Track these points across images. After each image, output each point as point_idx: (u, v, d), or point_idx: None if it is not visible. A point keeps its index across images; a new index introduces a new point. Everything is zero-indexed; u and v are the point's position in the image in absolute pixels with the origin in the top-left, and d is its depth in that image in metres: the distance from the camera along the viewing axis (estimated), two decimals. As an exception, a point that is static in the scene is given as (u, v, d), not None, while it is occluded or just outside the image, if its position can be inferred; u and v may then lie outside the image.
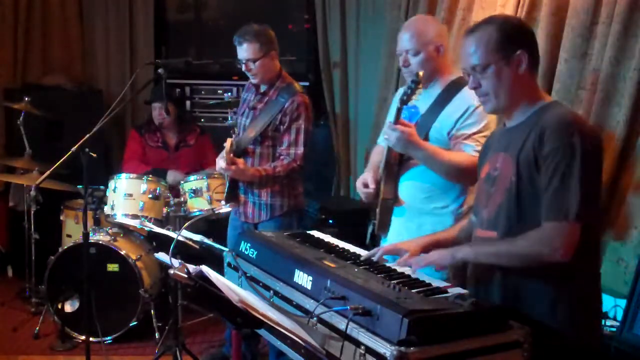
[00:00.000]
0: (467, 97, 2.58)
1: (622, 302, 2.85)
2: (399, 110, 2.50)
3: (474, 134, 2.58)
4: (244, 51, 3.30)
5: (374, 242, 2.67)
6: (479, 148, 2.53)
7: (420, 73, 2.43)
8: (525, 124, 1.97)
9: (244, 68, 3.36)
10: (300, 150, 3.34)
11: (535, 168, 1.88)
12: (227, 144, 3.14)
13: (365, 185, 2.72)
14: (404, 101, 2.46)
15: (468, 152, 2.56)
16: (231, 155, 3.22)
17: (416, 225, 2.69)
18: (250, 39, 3.28)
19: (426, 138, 2.61)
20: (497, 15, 2.08)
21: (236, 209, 3.50)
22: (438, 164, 2.55)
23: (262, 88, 3.45)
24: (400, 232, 2.73)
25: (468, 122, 2.59)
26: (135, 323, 3.93)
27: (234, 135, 3.30)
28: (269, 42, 3.34)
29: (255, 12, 5.26)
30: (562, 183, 1.82)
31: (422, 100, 2.67)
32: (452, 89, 2.65)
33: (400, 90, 2.91)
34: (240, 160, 3.27)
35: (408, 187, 2.71)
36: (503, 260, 1.92)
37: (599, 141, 1.92)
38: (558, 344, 1.86)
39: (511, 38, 1.95)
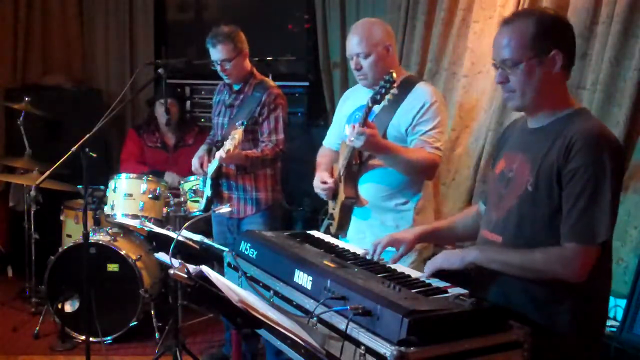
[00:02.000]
0: (422, 93, 2.67)
1: (622, 302, 2.86)
2: (368, 110, 2.51)
3: (430, 130, 2.66)
4: (219, 52, 3.42)
5: None
6: (436, 144, 2.65)
7: (394, 74, 2.42)
8: (550, 129, 1.87)
9: (218, 69, 3.48)
10: (281, 136, 3.47)
11: (556, 181, 1.79)
12: (239, 134, 3.14)
13: (324, 182, 2.80)
14: (377, 100, 2.46)
15: (426, 150, 2.64)
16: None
17: (379, 222, 2.75)
18: (223, 40, 3.40)
19: (384, 136, 2.67)
20: (538, 7, 1.94)
21: (218, 204, 3.54)
22: (399, 163, 2.63)
23: (236, 87, 3.56)
24: (362, 230, 2.79)
25: (424, 119, 2.66)
26: (135, 323, 3.93)
27: (241, 127, 3.31)
28: (241, 42, 3.48)
29: (255, 12, 5.26)
30: (589, 204, 1.74)
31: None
32: (405, 87, 2.69)
33: (349, 93, 3.01)
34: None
35: (368, 189, 2.76)
36: (515, 271, 1.85)
37: (624, 157, 1.87)
38: (558, 346, 1.85)
39: (548, 35, 1.83)
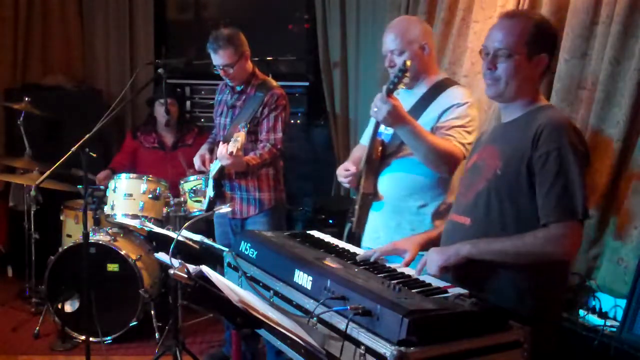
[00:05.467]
0: (454, 94, 2.61)
1: (622, 302, 2.85)
2: (389, 92, 2.45)
3: (458, 126, 2.59)
4: (220, 58, 3.41)
5: (352, 242, 2.67)
6: (463, 140, 2.58)
7: (408, 62, 2.42)
8: (520, 120, 2.04)
9: (221, 74, 3.47)
10: (279, 135, 3.46)
11: (525, 165, 1.93)
12: (241, 137, 3.13)
13: (346, 170, 2.75)
14: (391, 90, 2.43)
15: (452, 142, 2.57)
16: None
17: (395, 224, 2.70)
18: (224, 45, 3.38)
19: None
20: (537, 12, 2.19)
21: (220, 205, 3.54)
22: (421, 142, 2.50)
23: (238, 87, 3.56)
24: (377, 230, 2.75)
25: (453, 116, 2.60)
26: (135, 323, 3.93)
27: (243, 130, 3.30)
28: (242, 44, 3.46)
29: (255, 12, 5.26)
30: (565, 184, 1.88)
31: (407, 99, 2.66)
32: (437, 89, 2.66)
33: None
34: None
35: (389, 181, 2.70)
36: (509, 258, 1.94)
37: (584, 138, 2.02)
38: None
39: (544, 39, 2.02)
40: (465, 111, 2.61)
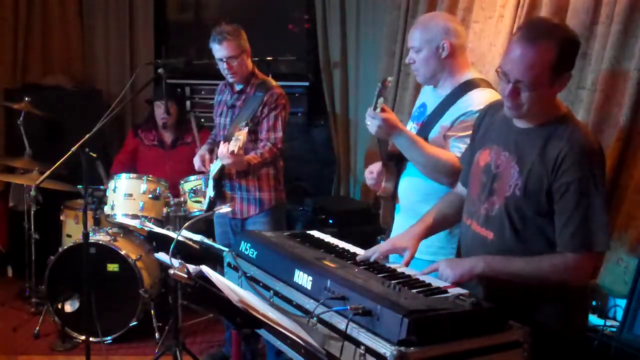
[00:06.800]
0: (472, 99, 2.50)
1: (622, 302, 2.85)
2: (377, 97, 2.42)
3: (465, 136, 2.47)
4: (225, 49, 3.41)
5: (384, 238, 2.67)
6: None
7: (389, 80, 2.41)
8: (539, 133, 1.95)
9: (224, 66, 3.45)
10: (279, 134, 3.46)
11: (545, 192, 1.90)
12: (243, 136, 3.12)
13: (371, 172, 2.74)
14: (374, 107, 2.40)
15: (453, 152, 2.49)
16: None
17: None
18: (229, 37, 3.40)
19: (426, 138, 2.55)
20: (558, 25, 1.95)
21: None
22: (417, 152, 2.47)
23: (238, 87, 3.56)
24: (398, 232, 2.70)
25: (463, 125, 2.49)
26: (135, 323, 3.93)
27: (244, 129, 3.29)
28: (244, 40, 3.49)
29: (255, 12, 5.27)
30: (586, 215, 1.86)
31: (432, 99, 2.63)
32: (459, 91, 2.56)
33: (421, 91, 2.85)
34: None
35: (406, 185, 2.67)
36: (522, 279, 1.94)
37: (605, 163, 1.97)
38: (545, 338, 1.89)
39: (567, 61, 1.88)
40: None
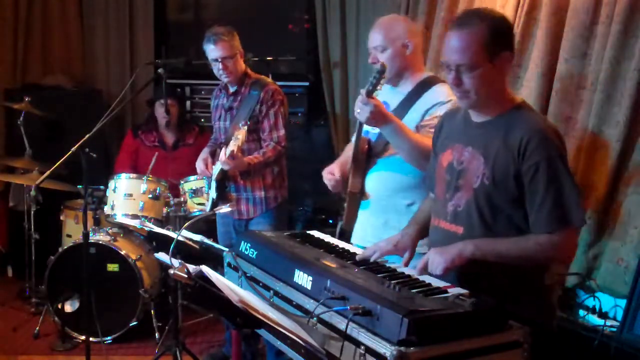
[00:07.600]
0: (438, 92, 2.61)
1: (622, 302, 2.85)
2: (368, 93, 2.47)
3: None
4: (220, 49, 3.43)
5: (343, 240, 2.67)
6: None
7: (386, 63, 2.46)
8: (496, 123, 2.02)
9: (219, 67, 3.46)
10: (282, 132, 3.48)
11: (512, 175, 1.95)
12: (242, 135, 3.13)
13: (331, 174, 2.76)
14: (370, 92, 2.45)
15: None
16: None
17: (382, 222, 2.70)
18: (224, 38, 3.43)
19: None
20: (483, 10, 2.08)
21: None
22: (404, 140, 2.51)
23: (232, 89, 3.58)
24: (365, 228, 2.76)
25: (436, 115, 2.56)
26: (135, 323, 3.93)
27: (243, 128, 3.30)
28: (238, 41, 3.53)
29: (255, 12, 5.26)
30: (560, 193, 1.91)
31: (393, 97, 2.70)
32: (423, 87, 2.66)
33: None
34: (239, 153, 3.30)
35: (375, 180, 2.71)
36: (511, 259, 1.97)
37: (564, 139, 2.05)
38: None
39: (501, 38, 1.97)
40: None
